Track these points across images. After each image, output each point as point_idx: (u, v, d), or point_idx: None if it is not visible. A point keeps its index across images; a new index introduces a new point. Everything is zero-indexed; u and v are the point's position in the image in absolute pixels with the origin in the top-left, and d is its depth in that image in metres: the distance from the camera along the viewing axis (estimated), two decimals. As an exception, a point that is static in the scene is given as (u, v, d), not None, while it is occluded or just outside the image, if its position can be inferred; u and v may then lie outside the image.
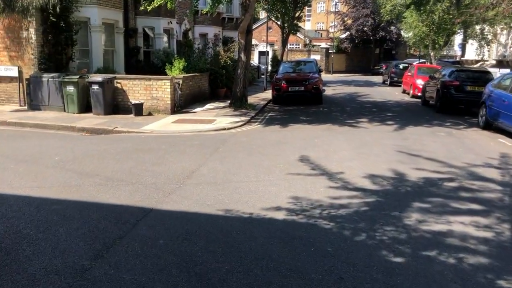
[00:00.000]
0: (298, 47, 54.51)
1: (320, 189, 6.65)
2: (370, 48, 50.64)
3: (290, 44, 51.91)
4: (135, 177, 7.21)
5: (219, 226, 5.24)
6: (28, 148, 9.45)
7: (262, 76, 30.98)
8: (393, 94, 24.54)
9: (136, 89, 14.68)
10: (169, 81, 14.40)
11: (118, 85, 14.74)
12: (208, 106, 16.69)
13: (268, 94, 21.69)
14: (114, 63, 18.46)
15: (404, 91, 25.36)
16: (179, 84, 15.60)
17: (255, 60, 50.18)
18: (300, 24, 33.86)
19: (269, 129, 12.67)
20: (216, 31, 29.37)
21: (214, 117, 14.21)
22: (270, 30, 54.85)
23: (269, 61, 35.24)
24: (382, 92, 25.74)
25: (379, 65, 48.46)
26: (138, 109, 14.25)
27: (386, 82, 32.91)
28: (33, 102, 15.03)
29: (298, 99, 19.05)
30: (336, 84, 31.73)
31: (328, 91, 25.96)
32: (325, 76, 41.97)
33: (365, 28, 47.76)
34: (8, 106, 15.74)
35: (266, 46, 27.46)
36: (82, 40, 16.99)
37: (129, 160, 8.39)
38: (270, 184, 6.88)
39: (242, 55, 15.79)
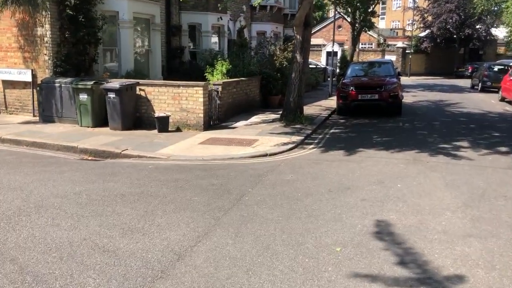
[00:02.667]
0: (371, 47, 49.82)
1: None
2: (454, 48, 44.89)
3: (362, 44, 47.50)
4: (72, 267, 4.03)
5: None
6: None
7: (329, 79, 27.22)
8: (490, 103, 19.84)
9: (163, 98, 11.68)
10: (201, 88, 11.25)
11: (142, 93, 11.82)
12: (254, 118, 13.37)
13: (332, 102, 18.00)
14: (149, 66, 15.72)
15: (503, 99, 20.53)
16: (217, 91, 12.43)
17: (322, 61, 46.31)
18: (373, 20, 29.68)
19: (328, 157, 9.09)
20: (277, 29, 26.04)
21: (257, 135, 10.85)
22: (340, 29, 50.71)
23: (337, 62, 31.29)
24: (474, 100, 21.07)
25: (464, 66, 42.76)
26: (162, 124, 11.24)
27: (476, 87, 27.83)
28: (45, 112, 12.54)
29: (370, 110, 15.23)
30: (416, 89, 27.20)
31: (407, 97, 21.71)
32: (402, 79, 37.02)
33: (448, 26, 42.23)
34: (21, 116, 13.40)
35: (333, 45, 23.64)
36: (109, 38, 14.37)
37: (92, 220, 5.24)
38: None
39: (298, 55, 12.33)
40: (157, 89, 11.69)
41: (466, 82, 32.78)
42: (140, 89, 11.81)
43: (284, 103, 12.90)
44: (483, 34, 42.43)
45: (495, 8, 30.29)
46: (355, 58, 42.25)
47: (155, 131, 11.25)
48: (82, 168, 8.08)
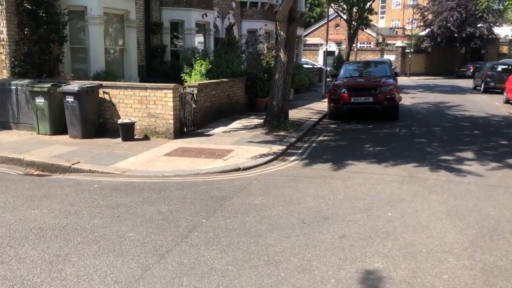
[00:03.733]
0: (370, 46, 48.50)
1: None
2: (455, 47, 43.54)
3: (360, 43, 46.21)
4: None
5: None
6: None
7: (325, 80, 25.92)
8: (494, 106, 18.52)
9: (129, 102, 10.39)
10: (171, 91, 9.94)
11: (106, 97, 10.52)
12: (235, 124, 12.06)
13: (325, 105, 16.60)
14: (124, 66, 14.42)
15: (508, 101, 19.20)
16: (192, 94, 11.14)
17: (319, 61, 44.99)
18: (371, 19, 28.35)
19: (310, 172, 7.78)
20: (268, 27, 24.70)
21: (234, 144, 9.55)
22: (338, 28, 49.46)
23: (333, 62, 30.02)
24: (477, 102, 19.75)
25: (466, 66, 41.43)
26: (127, 131, 9.95)
27: (478, 88, 26.50)
28: (0, 118, 11.25)
29: (365, 114, 13.94)
30: (415, 90, 25.90)
31: (406, 99, 20.40)
32: (401, 80, 35.80)
33: (449, 24, 40.85)
34: (-23, 121, 12.09)
35: (326, 43, 22.35)
36: (78, 36, 13.09)
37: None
38: None
39: (282, 54, 11.02)
40: (122, 92, 10.38)
41: (467, 83, 31.45)
42: (104, 92, 10.50)
43: (267, 107, 11.59)
44: (485, 32, 41.04)
45: (499, 6, 29.02)
46: (352, 58, 40.97)
47: (119, 139, 9.96)
48: (14, 187, 6.77)
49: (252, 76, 14.98)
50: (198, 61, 13.18)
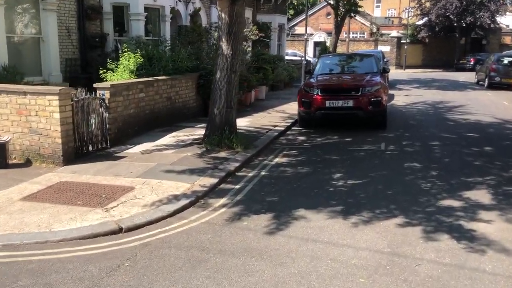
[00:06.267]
0: (363, 37, 45.36)
1: None
2: (454, 38, 40.45)
3: (353, 33, 43.07)
4: None
5: None
6: None
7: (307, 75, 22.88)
8: (502, 106, 15.60)
9: (4, 111, 7.38)
10: (56, 97, 6.92)
11: (-26, 104, 7.51)
12: (167, 139, 9.06)
13: (300, 107, 13.71)
14: (42, 60, 11.36)
15: (519, 100, 16.34)
16: (103, 100, 8.14)
17: (309, 52, 41.87)
18: (361, 5, 25.20)
19: (233, 236, 4.83)
20: (245, 14, 21.60)
21: (141, 176, 6.56)
22: (329, 17, 46.21)
23: (318, 53, 26.97)
24: (482, 102, 16.79)
25: (466, 58, 38.49)
26: (-6, 155, 6.97)
27: (481, 83, 23.54)
28: None
29: (343, 121, 11.01)
30: (410, 86, 22.90)
31: (399, 97, 17.48)
32: (395, 73, 32.78)
33: (448, 13, 37.73)
34: None
35: (305, 32, 19.37)
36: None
37: None
38: None
39: (224, 44, 8.01)
40: (-6, 98, 7.37)
41: (468, 76, 28.51)
42: (-30, 98, 7.49)
43: (208, 118, 8.59)
44: (487, 22, 37.91)
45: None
46: (344, 49, 37.91)
47: (-14, 166, 6.98)
48: None
49: (206, 72, 11.98)
50: (127, 53, 10.17)
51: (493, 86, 21.65)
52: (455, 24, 38.49)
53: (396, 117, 12.56)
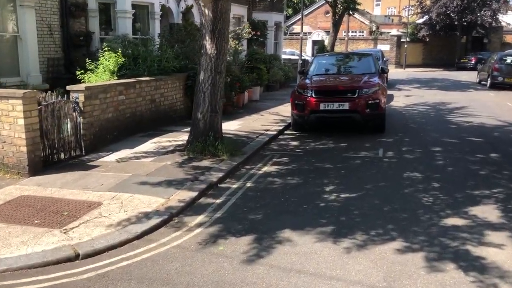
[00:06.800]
0: (362, 35, 44.65)
1: None
2: (455, 36, 39.75)
3: (352, 31, 42.38)
4: None
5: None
6: None
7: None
8: (506, 108, 14.96)
9: (-34, 117, 6.74)
10: (20, 101, 6.28)
11: None
12: (147, 145, 8.41)
13: (294, 109, 13.05)
14: (20, 60, 10.71)
15: (524, 101, 15.70)
16: (77, 103, 7.49)
17: (307, 51, 41.18)
18: (360, 2, 24.55)
19: (205, 266, 4.19)
20: (238, 11, 20.94)
21: (112, 189, 5.90)
22: (328, 15, 45.53)
23: (315, 52, 26.33)
24: (485, 103, 16.14)
25: (467, 57, 37.81)
26: (-48, 165, 6.31)
27: (484, 82, 22.88)
28: None
29: (339, 124, 10.38)
30: (410, 86, 22.25)
31: (398, 98, 16.85)
32: (395, 72, 32.09)
33: (449, 11, 37.02)
34: None
35: (301, 31, 18.74)
36: None
37: None
38: None
39: (208, 43, 7.36)
40: (-46, 102, 6.72)
41: (470, 76, 27.88)
42: None
43: (191, 123, 7.93)
44: (489, 20, 37.18)
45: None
46: (342, 48, 37.29)
47: None
48: None
49: (194, 72, 11.31)
50: (107, 52, 9.52)
51: (495, 86, 21.01)
52: (456, 23, 37.82)
53: (396, 120, 11.93)
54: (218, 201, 5.83)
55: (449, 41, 40.50)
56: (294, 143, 9.45)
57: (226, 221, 5.15)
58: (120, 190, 5.89)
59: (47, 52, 11.73)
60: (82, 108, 7.56)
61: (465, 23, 37.71)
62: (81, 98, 7.54)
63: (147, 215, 5.15)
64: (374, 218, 5.16)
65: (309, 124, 10.25)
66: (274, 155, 8.31)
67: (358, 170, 7.25)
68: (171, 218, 5.19)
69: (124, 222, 4.95)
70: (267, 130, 10.30)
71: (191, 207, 5.58)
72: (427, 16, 39.40)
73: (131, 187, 6.01)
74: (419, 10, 40.26)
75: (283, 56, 29.49)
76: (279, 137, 10.11)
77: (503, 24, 40.92)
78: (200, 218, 5.25)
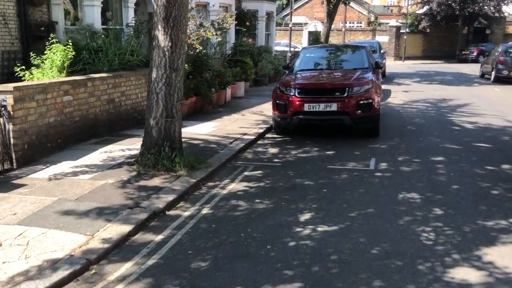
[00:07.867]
0: (360, 26, 43.16)
1: None
2: (456, 27, 38.30)
3: (350, 22, 40.94)
4: None
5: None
6: None
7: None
8: (513, 104, 13.66)
9: None
10: None
11: None
12: (95, 155, 7.07)
13: (280, 107, 11.69)
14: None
15: (531, 97, 14.37)
16: (3, 107, 6.16)
17: (303, 43, 39.66)
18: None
19: None
20: (226, 1, 19.51)
21: (21, 223, 4.59)
22: (324, 5, 44.05)
23: (309, 43, 24.94)
24: (490, 99, 14.81)
25: (468, 49, 36.41)
26: None
27: (487, 76, 21.50)
28: None
29: (327, 127, 9.07)
30: (410, 80, 20.89)
31: (396, 93, 15.54)
32: (393, 64, 30.67)
33: (450, 1, 35.55)
34: None
35: (290, 20, 17.37)
36: None
37: None
38: None
39: (160, 34, 6.02)
40: None
41: (472, 69, 26.52)
42: None
43: (144, 131, 6.59)
44: (492, 10, 35.69)
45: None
46: (339, 40, 35.87)
47: None
48: None
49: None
50: (56, 46, 8.16)
51: (500, 80, 19.66)
52: (457, 13, 36.35)
53: (392, 120, 10.62)
54: (158, 238, 4.53)
55: (450, 32, 39.11)
56: (273, 150, 8.13)
57: (159, 273, 3.85)
58: (33, 224, 4.58)
59: (1, 44, 10.38)
60: (11, 113, 6.24)
61: (466, 14, 36.26)
62: (9, 100, 6.21)
63: (54, 264, 3.85)
64: (357, 268, 3.86)
65: (293, 126, 8.93)
66: (247, 167, 7.00)
67: (343, 190, 5.94)
68: (86, 268, 3.89)
69: (17, 277, 3.65)
70: (245, 134, 8.98)
71: (120, 248, 4.29)
72: (427, 7, 37.94)
73: (49, 218, 4.70)
74: (419, 0, 38.79)
75: (277, 48, 28.02)
76: (258, 142, 8.80)
77: (506, 14, 39.45)
78: (126, 268, 3.95)
